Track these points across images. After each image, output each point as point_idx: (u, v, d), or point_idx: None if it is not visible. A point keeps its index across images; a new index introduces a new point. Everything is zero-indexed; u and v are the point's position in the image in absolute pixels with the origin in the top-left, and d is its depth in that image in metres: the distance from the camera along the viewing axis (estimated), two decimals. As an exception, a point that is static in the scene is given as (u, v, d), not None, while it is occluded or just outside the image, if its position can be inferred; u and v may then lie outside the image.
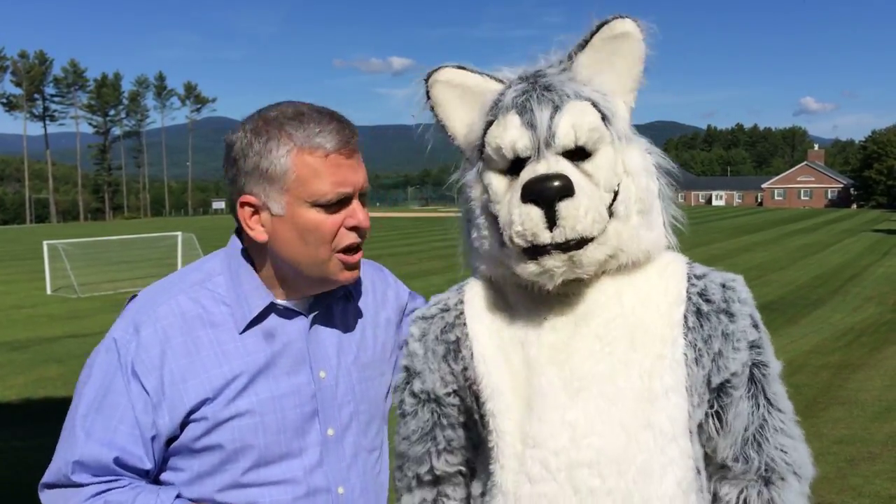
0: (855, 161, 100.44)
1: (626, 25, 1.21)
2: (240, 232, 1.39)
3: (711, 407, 1.17)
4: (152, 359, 1.27)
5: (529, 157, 1.16)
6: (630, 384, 1.15)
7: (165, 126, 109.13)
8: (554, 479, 1.13)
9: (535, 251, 1.13)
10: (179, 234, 26.11)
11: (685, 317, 1.17)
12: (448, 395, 1.29)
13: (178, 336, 1.29)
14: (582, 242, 1.12)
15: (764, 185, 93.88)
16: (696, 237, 39.41)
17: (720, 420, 1.18)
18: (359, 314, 1.51)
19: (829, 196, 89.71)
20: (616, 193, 1.17)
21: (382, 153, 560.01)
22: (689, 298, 1.19)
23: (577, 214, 1.09)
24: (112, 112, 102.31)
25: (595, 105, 1.17)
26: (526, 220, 1.12)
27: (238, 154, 1.29)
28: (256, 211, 1.30)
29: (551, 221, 1.10)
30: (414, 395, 1.32)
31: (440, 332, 1.30)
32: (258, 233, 1.31)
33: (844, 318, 17.18)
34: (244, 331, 1.33)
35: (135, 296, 1.39)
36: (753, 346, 1.17)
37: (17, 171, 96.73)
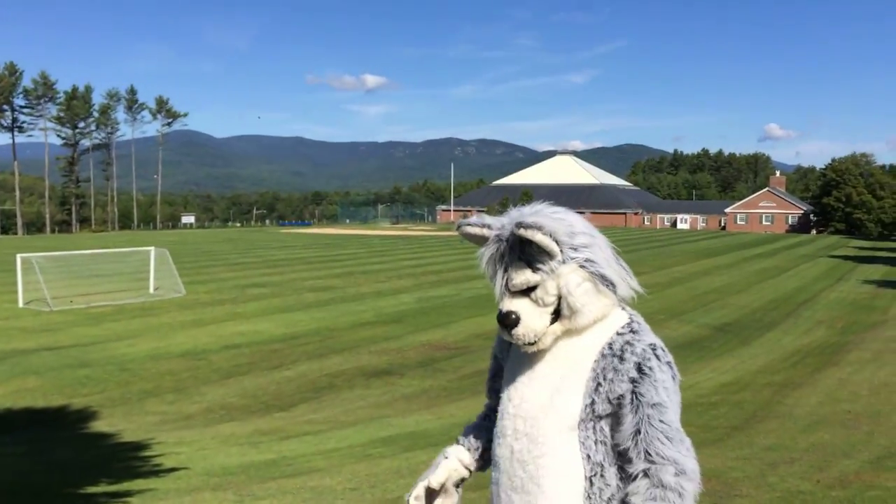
0: (815, 188, 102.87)
1: (529, 235, 1.76)
2: None
3: (615, 411, 1.81)
4: None
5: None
6: (554, 386, 1.84)
7: (135, 138, 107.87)
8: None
9: None
10: (153, 248, 26.18)
11: (599, 355, 1.82)
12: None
13: None
14: (533, 343, 1.83)
15: (727, 210, 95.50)
16: (660, 260, 40.08)
17: (617, 419, 1.81)
18: None
19: (790, 221, 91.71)
20: (559, 303, 1.82)
21: (355, 169, 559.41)
22: (605, 345, 1.83)
23: (520, 335, 1.81)
24: (82, 124, 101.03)
25: (529, 264, 1.82)
26: (501, 333, 1.88)
27: None
28: None
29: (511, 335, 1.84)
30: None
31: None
32: None
33: (794, 341, 17.96)
34: None
35: None
36: (633, 381, 1.79)
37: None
